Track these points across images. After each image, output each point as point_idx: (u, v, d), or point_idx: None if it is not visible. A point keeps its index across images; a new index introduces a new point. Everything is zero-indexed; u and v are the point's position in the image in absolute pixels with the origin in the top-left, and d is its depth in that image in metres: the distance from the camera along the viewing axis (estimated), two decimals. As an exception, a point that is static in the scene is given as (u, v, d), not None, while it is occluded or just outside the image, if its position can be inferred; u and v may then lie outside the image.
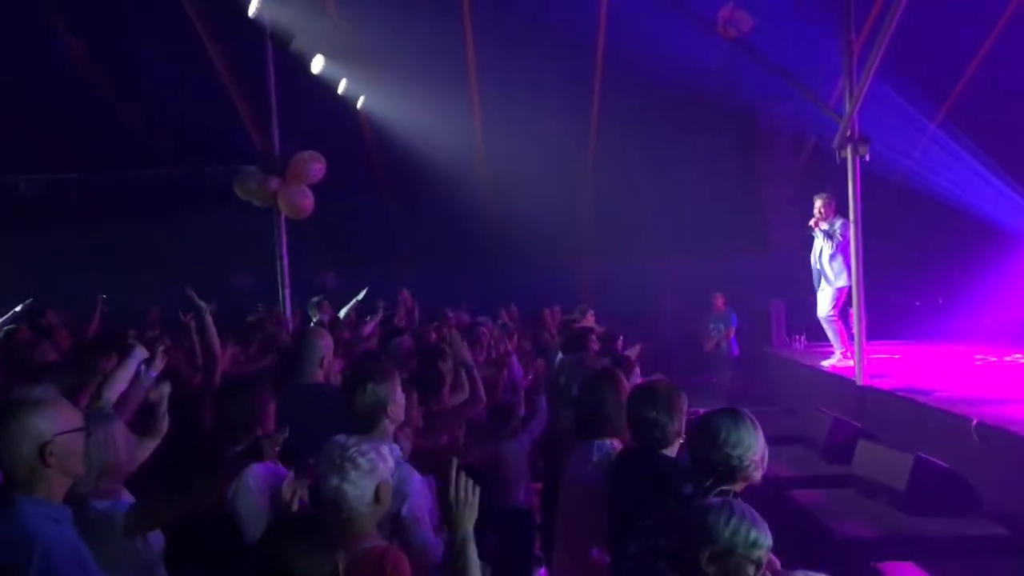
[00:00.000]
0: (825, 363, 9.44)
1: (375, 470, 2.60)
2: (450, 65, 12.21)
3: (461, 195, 13.78)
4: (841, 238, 8.77)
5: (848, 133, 7.87)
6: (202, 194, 12.90)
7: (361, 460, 2.58)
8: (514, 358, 7.65)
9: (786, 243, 14.04)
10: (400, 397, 3.43)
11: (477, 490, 2.56)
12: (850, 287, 8.47)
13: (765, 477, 6.84)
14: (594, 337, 6.57)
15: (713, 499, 2.47)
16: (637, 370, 5.10)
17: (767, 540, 2.31)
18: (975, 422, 5.84)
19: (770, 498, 6.39)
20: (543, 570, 5.07)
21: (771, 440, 8.15)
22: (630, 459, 3.45)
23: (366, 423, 3.26)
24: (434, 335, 8.21)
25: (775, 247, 14.16)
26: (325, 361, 4.27)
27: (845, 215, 8.37)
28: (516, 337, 8.47)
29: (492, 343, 7.43)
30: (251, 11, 7.54)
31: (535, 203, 13.26)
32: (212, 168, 11.52)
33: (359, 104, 10.04)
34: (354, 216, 13.88)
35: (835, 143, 8.07)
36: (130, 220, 13.98)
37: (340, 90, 8.89)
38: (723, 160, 14.01)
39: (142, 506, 2.97)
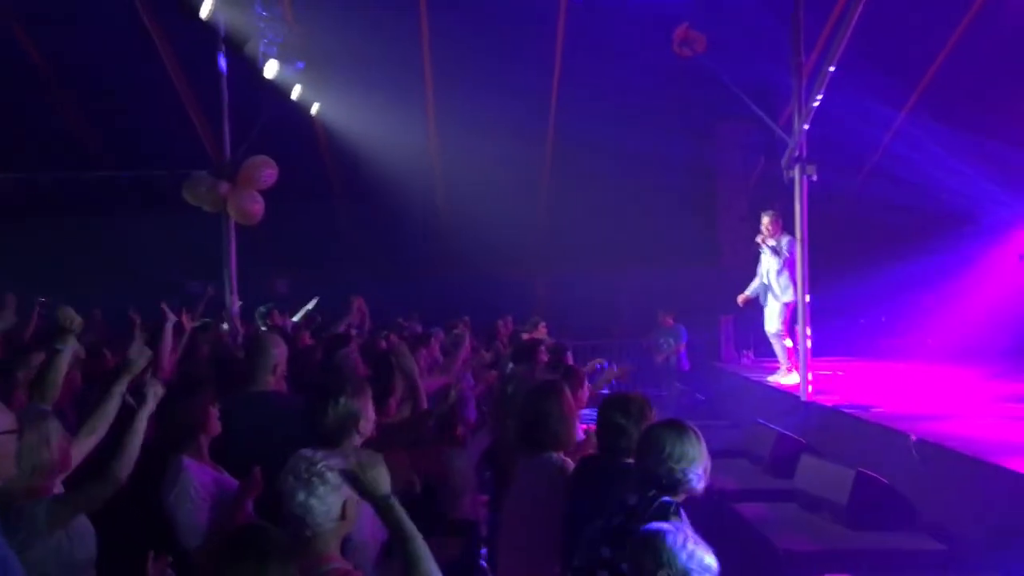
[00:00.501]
0: (771, 378, 9.60)
1: (343, 485, 2.54)
2: (406, 75, 12.19)
3: (416, 205, 13.75)
4: (788, 255, 8.96)
5: (796, 153, 8.04)
6: (150, 198, 12.69)
7: (330, 475, 2.52)
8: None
9: (737, 259, 14.27)
10: (371, 412, 3.42)
11: (377, 456, 2.55)
12: (796, 302, 8.64)
13: (709, 490, 6.91)
14: (543, 349, 6.58)
15: (664, 524, 2.46)
16: (587, 383, 5.11)
17: (716, 564, 2.34)
18: (914, 438, 5.97)
19: (714, 511, 6.46)
20: (488, 581, 5.04)
21: (717, 454, 8.24)
22: (591, 466, 3.48)
23: (335, 436, 3.23)
24: (384, 344, 8.17)
25: (726, 263, 14.36)
26: (279, 369, 4.20)
27: (791, 232, 8.56)
28: (469, 347, 8.43)
29: (441, 352, 7.41)
30: (203, 13, 7.42)
31: (490, 214, 13.28)
32: (161, 172, 11.34)
33: (313, 111, 9.94)
34: (307, 223, 13.74)
35: (783, 162, 8.24)
36: (76, 223, 13.69)
37: (294, 96, 8.80)
38: (676, 176, 14.18)
39: (64, 495, 2.94)
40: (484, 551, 5.01)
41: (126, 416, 3.24)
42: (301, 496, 2.49)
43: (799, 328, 8.35)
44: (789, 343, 9.28)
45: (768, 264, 9.28)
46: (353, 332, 8.34)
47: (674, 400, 11.69)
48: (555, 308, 13.91)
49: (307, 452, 2.61)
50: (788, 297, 9.07)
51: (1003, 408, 7.30)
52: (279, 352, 4.24)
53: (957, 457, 5.53)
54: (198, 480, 3.32)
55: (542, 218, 14.65)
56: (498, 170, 13.09)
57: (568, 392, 4.02)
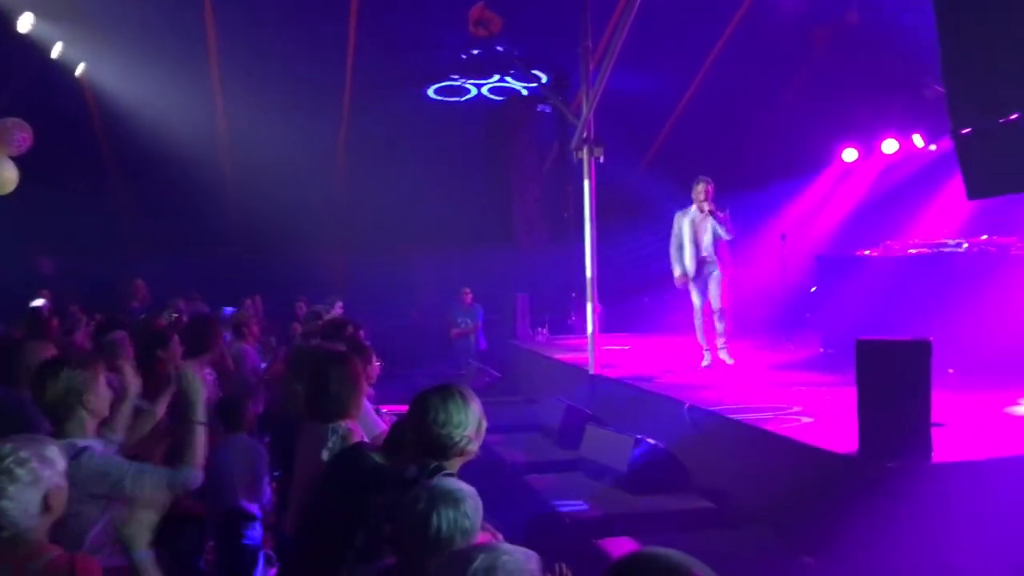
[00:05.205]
0: (722, 356, 8.45)
1: (39, 480, 2.30)
2: (188, 41, 11.39)
3: (202, 180, 12.93)
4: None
5: (584, 135, 8.29)
6: None
7: (20, 471, 2.27)
8: (251, 348, 7.32)
9: (531, 239, 14.64)
10: (103, 390, 3.18)
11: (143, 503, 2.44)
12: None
13: (502, 463, 7.00)
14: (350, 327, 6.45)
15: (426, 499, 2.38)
16: (375, 360, 5.01)
17: (473, 516, 2.29)
18: (687, 405, 6.36)
19: (506, 484, 6.58)
20: (274, 571, 4.83)
21: (511, 428, 8.38)
22: (347, 451, 3.37)
23: (56, 412, 3.04)
24: (163, 323, 7.65)
25: (521, 243, 14.67)
26: None
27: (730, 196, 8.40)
28: (256, 328, 8.08)
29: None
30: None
31: (284, 189, 12.77)
32: None
33: (78, 72, 9.02)
34: (75, 196, 12.55)
35: (572, 144, 8.48)
36: None
37: (54, 54, 7.93)
38: (474, 156, 14.30)
39: None
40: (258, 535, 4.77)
41: None
42: None
43: (588, 306, 8.58)
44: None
45: (713, 232, 8.14)
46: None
47: (471, 378, 11.81)
48: (355, 287, 13.66)
49: None
50: (732, 268, 8.28)
51: (766, 376, 7.96)
52: None
53: (723, 420, 5.94)
54: None
55: (339, 196, 14.28)
56: (291, 145, 12.60)
57: (356, 363, 3.95)
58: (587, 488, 6.18)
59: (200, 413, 3.16)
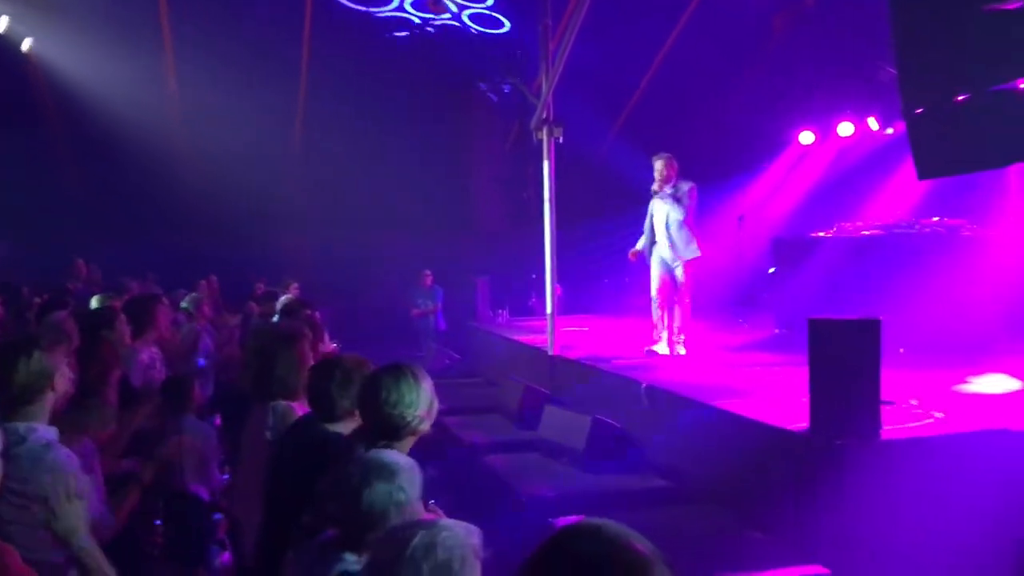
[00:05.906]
0: (649, 348, 8.17)
1: None
2: (138, 13, 11.10)
3: (157, 160, 12.66)
4: (689, 202, 7.71)
5: (544, 115, 8.24)
6: None
7: None
8: (202, 329, 7.22)
9: (491, 221, 14.58)
10: (66, 369, 3.21)
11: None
12: (698, 259, 7.84)
13: (461, 444, 6.98)
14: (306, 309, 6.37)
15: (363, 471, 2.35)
16: (327, 336, 4.95)
17: (409, 488, 2.26)
18: (644, 385, 6.39)
19: (465, 465, 6.57)
20: (227, 555, 4.77)
21: (470, 410, 8.36)
22: (297, 429, 3.32)
23: (26, 394, 2.96)
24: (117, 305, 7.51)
25: (481, 225, 14.61)
26: None
27: (689, 178, 7.81)
28: (207, 309, 7.96)
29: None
30: None
31: (240, 172, 12.56)
32: None
33: (25, 47, 8.75)
34: (24, 176, 12.22)
35: (532, 124, 8.43)
36: None
37: (0, 29, 7.67)
38: (434, 137, 14.18)
39: None
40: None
41: None
42: None
43: (548, 288, 8.56)
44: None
45: (665, 216, 7.80)
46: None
47: (431, 360, 11.77)
48: (315, 268, 13.52)
49: None
50: (692, 253, 7.79)
51: (722, 356, 8.02)
52: None
53: (677, 399, 5.98)
54: None
55: (298, 177, 14.09)
56: (247, 124, 12.40)
57: (304, 343, 3.89)
58: (545, 468, 6.20)
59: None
